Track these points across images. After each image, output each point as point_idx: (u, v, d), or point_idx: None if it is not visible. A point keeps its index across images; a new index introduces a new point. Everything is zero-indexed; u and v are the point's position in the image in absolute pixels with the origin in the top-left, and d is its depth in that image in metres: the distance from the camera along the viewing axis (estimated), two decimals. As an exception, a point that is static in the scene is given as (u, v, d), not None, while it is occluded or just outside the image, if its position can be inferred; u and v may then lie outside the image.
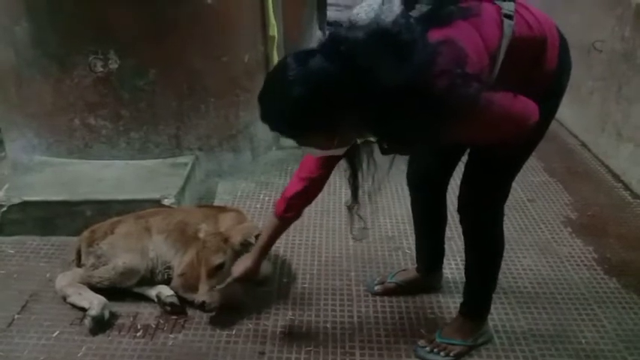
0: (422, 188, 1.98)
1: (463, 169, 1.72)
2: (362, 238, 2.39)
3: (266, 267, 2.26)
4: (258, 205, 2.91)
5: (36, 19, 2.70)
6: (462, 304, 1.92)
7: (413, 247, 2.26)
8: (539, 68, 1.48)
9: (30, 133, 2.94)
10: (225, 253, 1.99)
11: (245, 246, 2.02)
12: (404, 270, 2.26)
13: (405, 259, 2.43)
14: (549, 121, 1.58)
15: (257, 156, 3.33)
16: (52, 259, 2.40)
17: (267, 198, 2.98)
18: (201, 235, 2.08)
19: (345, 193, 2.95)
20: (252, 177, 3.16)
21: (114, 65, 2.75)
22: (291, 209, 1.81)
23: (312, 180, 1.76)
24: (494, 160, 1.61)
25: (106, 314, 2.01)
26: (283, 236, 2.53)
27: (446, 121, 1.28)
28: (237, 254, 2.02)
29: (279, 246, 2.52)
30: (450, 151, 1.84)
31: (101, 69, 2.76)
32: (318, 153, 1.46)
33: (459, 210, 1.75)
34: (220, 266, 1.97)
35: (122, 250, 2.13)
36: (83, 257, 2.19)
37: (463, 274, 1.92)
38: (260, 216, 2.79)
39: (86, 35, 2.71)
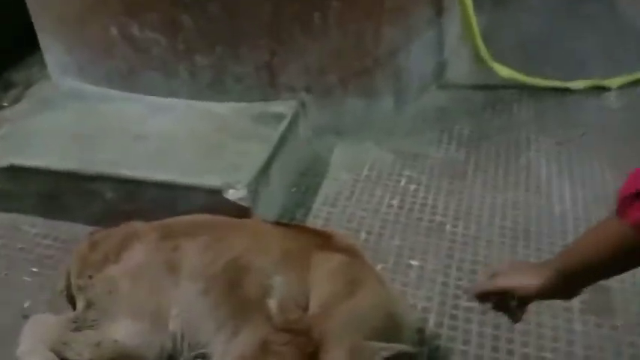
0: None
1: None
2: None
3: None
4: (395, 201, 1.79)
5: None
6: None
7: None
8: None
9: (59, 45, 2.12)
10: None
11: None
12: None
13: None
14: None
15: (404, 103, 2.26)
16: (45, 266, 1.61)
17: (412, 186, 1.83)
18: (272, 305, 1.19)
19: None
20: (391, 140, 2.06)
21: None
22: None
23: None
24: None
25: None
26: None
27: None
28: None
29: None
30: None
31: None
32: None
33: None
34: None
35: (121, 308, 1.27)
36: (73, 290, 1.39)
37: None
38: (395, 231, 1.64)
39: None
